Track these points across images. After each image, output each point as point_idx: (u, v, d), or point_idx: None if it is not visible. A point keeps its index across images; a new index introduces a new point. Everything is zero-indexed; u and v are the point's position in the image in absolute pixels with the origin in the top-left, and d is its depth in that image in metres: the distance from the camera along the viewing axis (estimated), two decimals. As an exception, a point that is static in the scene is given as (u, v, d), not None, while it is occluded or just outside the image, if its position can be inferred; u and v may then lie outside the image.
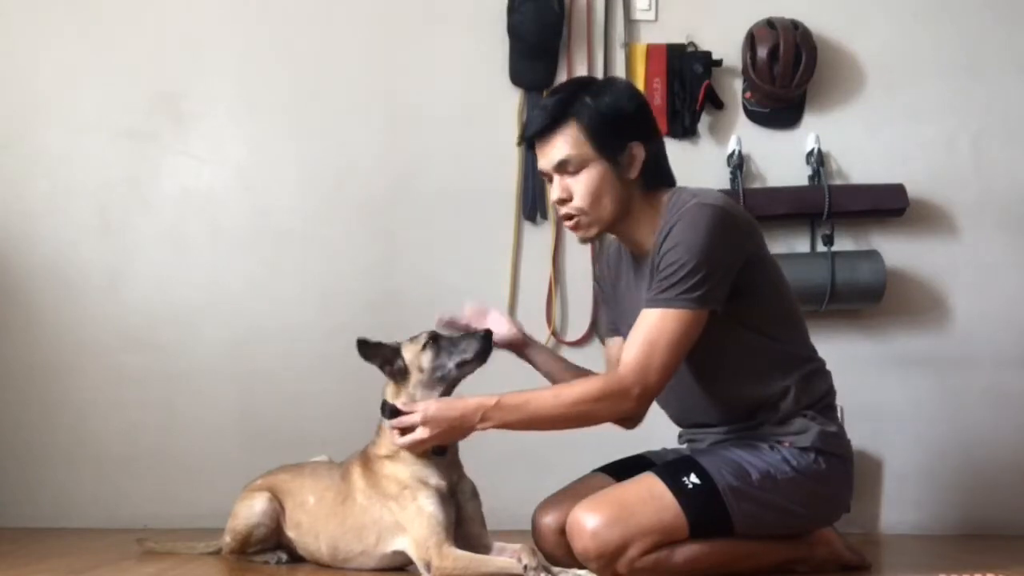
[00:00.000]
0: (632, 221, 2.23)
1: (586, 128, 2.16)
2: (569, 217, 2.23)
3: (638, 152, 2.19)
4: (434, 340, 2.30)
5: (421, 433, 2.18)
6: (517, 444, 3.14)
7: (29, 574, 2.34)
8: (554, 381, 2.39)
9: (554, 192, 2.22)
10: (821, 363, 2.32)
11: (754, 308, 2.20)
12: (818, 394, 2.27)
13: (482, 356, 2.27)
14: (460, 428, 2.18)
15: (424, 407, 2.18)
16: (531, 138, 2.24)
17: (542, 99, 2.22)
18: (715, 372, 2.22)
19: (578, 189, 2.19)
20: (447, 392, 2.31)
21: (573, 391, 2.15)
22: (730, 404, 2.26)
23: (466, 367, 2.29)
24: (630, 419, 2.39)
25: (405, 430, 2.21)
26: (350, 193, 3.26)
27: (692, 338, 2.11)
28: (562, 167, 2.19)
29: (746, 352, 2.21)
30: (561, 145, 2.18)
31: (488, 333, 2.28)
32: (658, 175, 2.24)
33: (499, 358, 2.35)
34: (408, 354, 2.30)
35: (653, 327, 2.10)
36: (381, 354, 2.29)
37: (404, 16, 3.30)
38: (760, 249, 2.23)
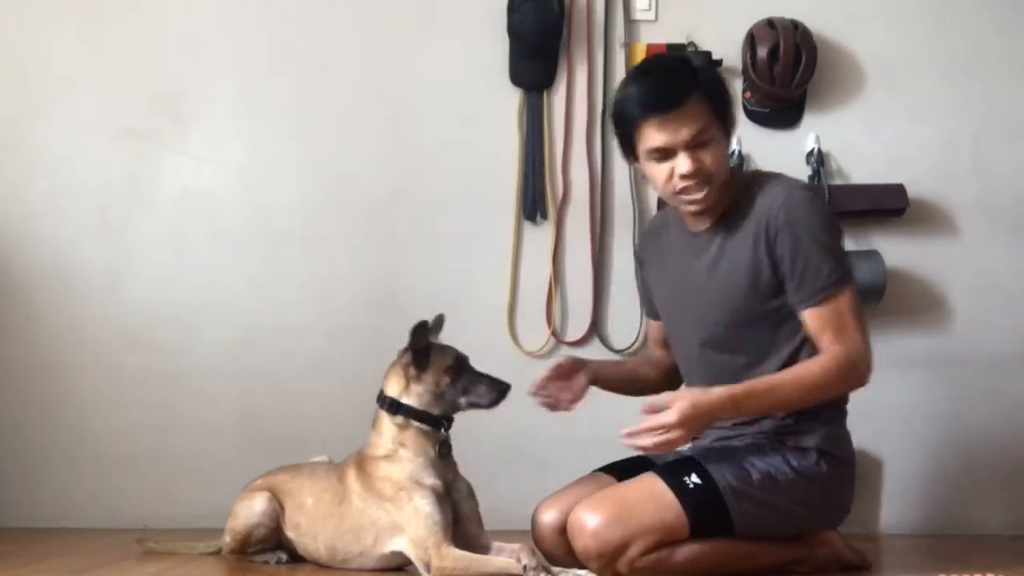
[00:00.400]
0: (721, 196, 2.26)
1: (710, 99, 2.18)
2: (692, 189, 2.18)
3: (735, 124, 2.29)
4: (457, 370, 2.33)
5: (676, 434, 2.07)
6: (517, 444, 3.16)
7: (29, 574, 2.34)
8: (629, 384, 2.49)
9: (683, 165, 2.15)
10: None
11: None
12: (832, 400, 2.28)
13: (493, 406, 2.34)
14: (711, 422, 2.16)
15: (679, 408, 2.07)
16: (655, 109, 2.15)
17: (652, 72, 2.20)
18: (763, 363, 2.23)
19: (709, 159, 2.18)
20: (449, 411, 2.35)
21: (813, 376, 2.15)
22: None
23: (475, 407, 2.34)
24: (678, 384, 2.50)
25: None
26: (350, 193, 3.26)
27: (860, 304, 2.19)
28: (697, 137, 2.16)
29: (792, 347, 2.23)
30: (694, 116, 2.15)
31: (506, 388, 2.34)
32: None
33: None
34: (432, 362, 2.31)
35: (832, 314, 2.15)
36: (425, 345, 2.33)
37: (404, 16, 3.30)
38: None
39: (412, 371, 2.33)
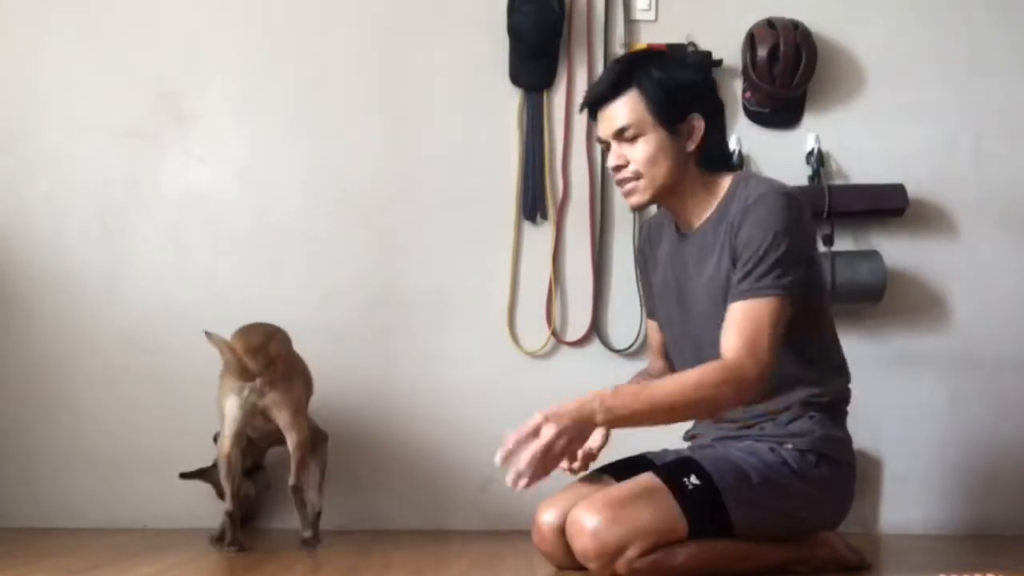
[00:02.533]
0: (686, 195, 2.30)
1: (647, 96, 2.23)
2: (624, 183, 2.29)
3: (698, 124, 2.27)
4: None
5: (549, 430, 2.05)
6: (517, 444, 3.15)
7: (29, 574, 2.34)
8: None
9: (610, 159, 2.28)
10: (846, 372, 2.34)
11: (808, 303, 2.23)
12: (833, 399, 2.28)
13: None
14: (582, 419, 2.08)
15: (540, 412, 2.09)
16: (592, 104, 2.30)
17: (609, 65, 2.31)
18: None
19: (635, 155, 2.25)
20: None
21: (690, 378, 2.13)
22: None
23: None
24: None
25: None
26: (350, 193, 3.26)
27: (785, 324, 2.15)
28: (620, 134, 2.25)
29: (789, 345, 2.21)
30: (621, 112, 2.25)
31: None
32: (717, 155, 2.33)
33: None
34: None
35: (751, 315, 2.14)
36: None
37: (404, 16, 3.30)
38: (816, 242, 2.34)
39: None
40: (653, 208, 2.48)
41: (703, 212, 2.30)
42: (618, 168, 2.29)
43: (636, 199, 2.31)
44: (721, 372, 2.12)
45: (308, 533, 2.70)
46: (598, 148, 3.26)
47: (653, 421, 2.13)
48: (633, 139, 2.25)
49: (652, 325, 2.60)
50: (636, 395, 2.12)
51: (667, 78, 2.24)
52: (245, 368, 2.55)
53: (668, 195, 2.30)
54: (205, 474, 2.96)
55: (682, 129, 2.26)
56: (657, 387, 2.15)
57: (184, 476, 2.96)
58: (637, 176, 2.27)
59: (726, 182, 2.30)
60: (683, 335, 2.39)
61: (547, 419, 2.07)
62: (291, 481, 2.63)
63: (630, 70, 2.26)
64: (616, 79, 2.27)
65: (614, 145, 2.28)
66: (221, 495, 2.76)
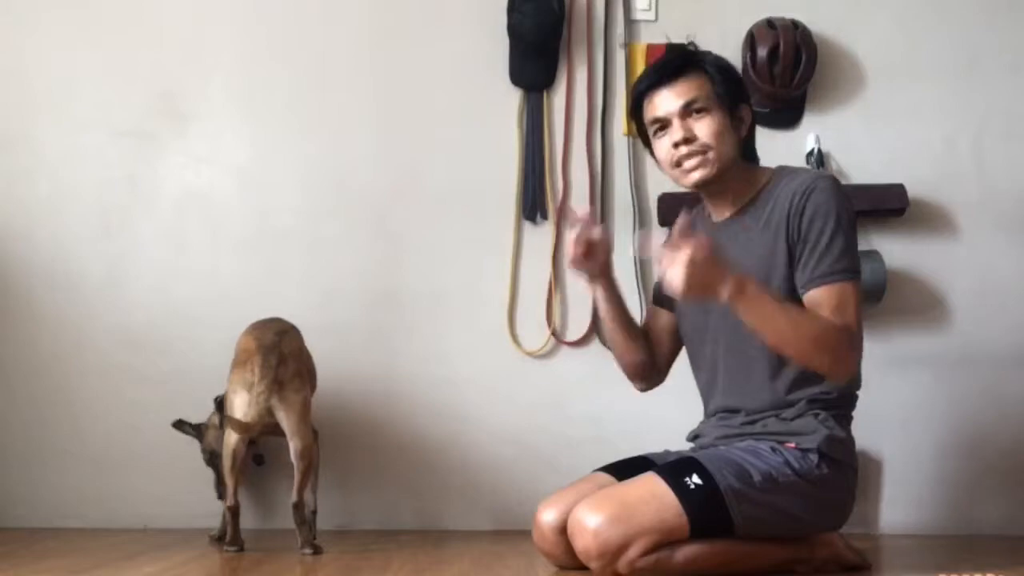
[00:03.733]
0: (732, 180, 2.34)
1: (711, 77, 2.31)
2: (691, 156, 2.29)
3: (747, 115, 2.36)
4: None
5: (682, 261, 2.04)
6: (517, 444, 3.16)
7: (29, 574, 2.34)
8: (627, 330, 2.49)
9: (675, 133, 2.29)
10: (857, 377, 2.34)
11: None
12: (841, 403, 2.28)
13: None
14: (712, 285, 2.08)
15: (690, 250, 2.04)
16: (655, 83, 2.32)
17: (667, 54, 2.43)
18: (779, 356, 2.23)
19: (703, 129, 2.29)
20: None
21: (818, 323, 2.15)
22: (751, 398, 2.30)
23: None
24: (653, 380, 2.56)
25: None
26: (350, 193, 3.26)
27: (862, 306, 2.23)
28: (688, 108, 2.28)
29: None
30: (689, 87, 2.30)
31: None
32: (753, 148, 2.40)
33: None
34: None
35: (842, 297, 2.17)
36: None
37: (404, 16, 3.30)
38: None
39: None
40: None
41: (739, 199, 2.35)
42: (686, 141, 2.28)
43: (703, 172, 2.29)
44: (839, 329, 2.15)
45: (308, 551, 2.57)
46: (598, 148, 3.26)
47: (765, 327, 2.12)
48: (701, 113, 2.29)
49: (658, 313, 2.58)
50: (768, 302, 2.13)
51: (727, 68, 2.35)
52: (260, 365, 2.55)
53: (726, 174, 2.32)
54: (198, 431, 2.95)
55: (737, 115, 2.33)
56: (786, 313, 2.14)
57: (176, 426, 2.94)
58: (705, 150, 2.28)
59: (762, 173, 2.36)
60: (707, 326, 2.38)
61: (690, 264, 2.04)
62: (293, 498, 2.57)
63: (693, 55, 2.36)
64: (683, 60, 2.33)
65: (677, 122, 2.29)
66: (221, 494, 2.76)
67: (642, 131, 2.42)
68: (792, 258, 2.24)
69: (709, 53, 2.38)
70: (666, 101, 2.31)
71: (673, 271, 2.05)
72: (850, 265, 2.20)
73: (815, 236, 2.20)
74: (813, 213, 2.21)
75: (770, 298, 2.15)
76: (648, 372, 2.55)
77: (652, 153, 2.41)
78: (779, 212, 2.26)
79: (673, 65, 2.33)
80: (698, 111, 2.29)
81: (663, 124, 2.32)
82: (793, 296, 2.23)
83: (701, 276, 2.06)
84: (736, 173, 2.34)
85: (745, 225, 2.33)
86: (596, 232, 2.37)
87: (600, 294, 2.46)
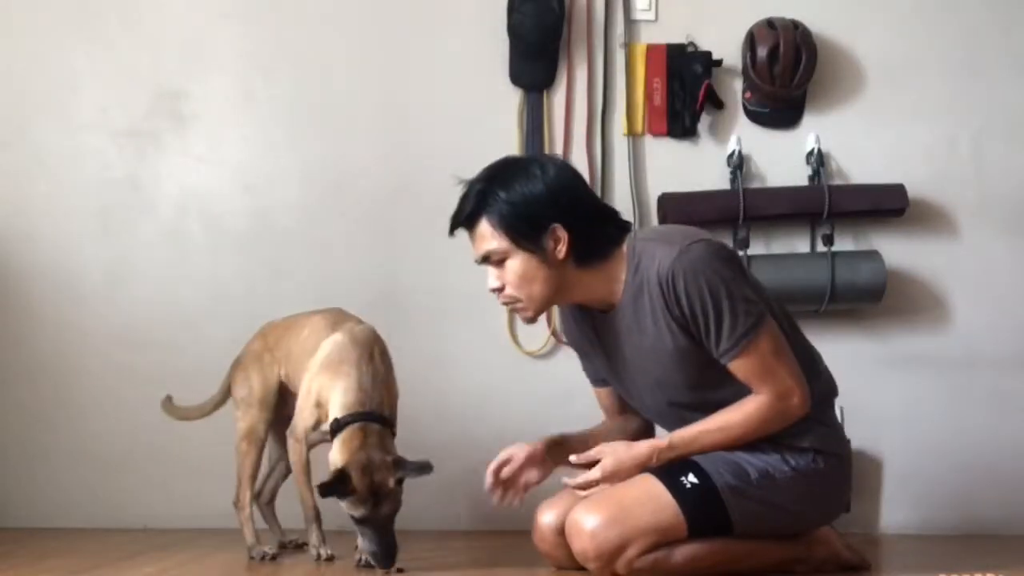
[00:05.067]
0: (578, 290, 2.24)
1: (498, 223, 2.17)
2: (506, 304, 2.27)
3: (562, 235, 2.17)
4: (360, 521, 2.29)
5: (603, 485, 2.21)
6: (517, 444, 3.15)
7: (29, 574, 2.34)
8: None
9: (489, 280, 2.24)
10: (821, 364, 2.33)
11: None
12: (820, 396, 2.28)
13: (379, 564, 2.30)
14: (636, 472, 2.21)
15: (603, 464, 2.21)
16: (457, 228, 2.26)
17: (463, 190, 2.25)
18: (716, 386, 2.21)
19: (508, 278, 2.21)
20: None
21: (738, 423, 2.18)
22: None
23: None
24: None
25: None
26: (350, 193, 3.26)
27: (782, 339, 2.17)
28: (487, 259, 2.22)
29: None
30: (481, 238, 2.21)
31: (386, 567, 2.30)
32: (592, 249, 2.21)
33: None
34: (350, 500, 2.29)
35: (757, 366, 2.14)
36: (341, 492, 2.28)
37: (404, 16, 3.29)
38: (740, 262, 2.28)
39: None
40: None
41: (613, 293, 2.22)
42: (496, 291, 2.24)
43: (525, 316, 2.26)
44: (764, 412, 2.16)
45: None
46: (598, 148, 3.26)
47: (709, 452, 2.21)
48: (501, 263, 2.20)
49: (599, 392, 2.50)
50: (688, 445, 2.20)
51: (514, 202, 2.16)
52: None
53: (559, 299, 2.26)
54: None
55: (545, 242, 2.17)
56: (709, 436, 2.19)
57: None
58: (515, 299, 2.22)
59: (619, 267, 2.21)
60: (643, 407, 2.37)
61: (603, 478, 2.21)
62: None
63: (479, 198, 2.19)
64: (468, 209, 2.20)
65: (489, 268, 2.22)
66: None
67: None
68: (691, 335, 2.15)
69: (496, 183, 2.19)
70: (474, 246, 2.24)
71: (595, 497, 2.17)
72: (749, 322, 2.11)
73: (702, 317, 2.11)
74: (688, 299, 2.10)
75: (696, 433, 2.19)
76: (647, 426, 2.46)
77: None
78: (655, 302, 2.15)
79: (460, 217, 2.22)
80: (500, 259, 2.20)
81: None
82: (708, 369, 2.17)
83: (625, 475, 2.18)
84: (581, 283, 2.22)
85: (626, 324, 2.22)
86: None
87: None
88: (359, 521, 2.28)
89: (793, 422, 2.18)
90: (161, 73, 3.29)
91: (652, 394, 2.29)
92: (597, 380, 2.47)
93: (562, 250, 2.18)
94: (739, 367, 2.14)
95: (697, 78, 3.18)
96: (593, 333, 2.34)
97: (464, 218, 2.22)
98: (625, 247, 2.22)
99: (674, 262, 2.11)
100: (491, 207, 2.18)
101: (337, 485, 2.25)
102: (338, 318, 2.59)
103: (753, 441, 2.19)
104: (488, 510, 3.08)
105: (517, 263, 2.19)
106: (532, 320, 2.31)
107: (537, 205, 2.16)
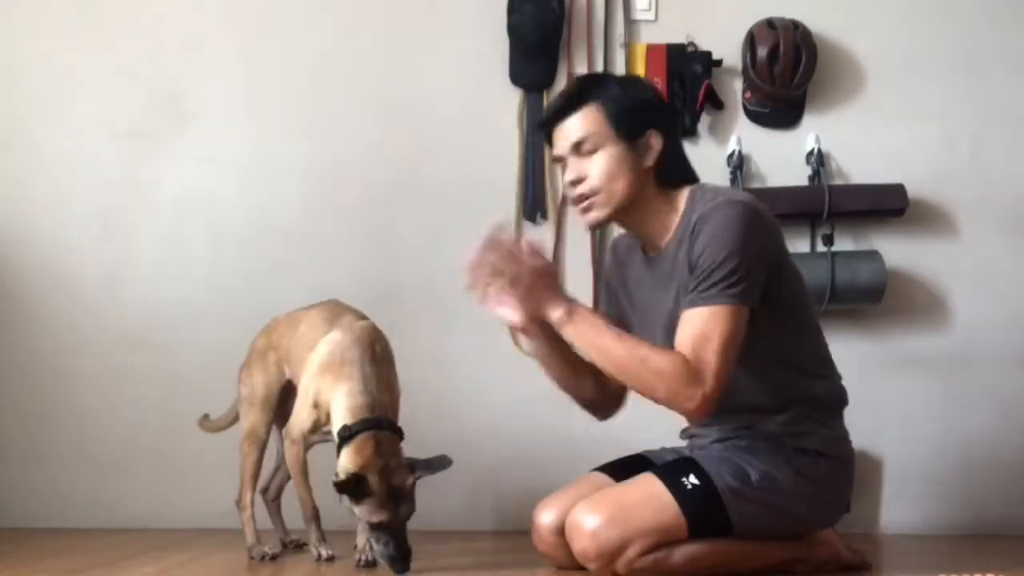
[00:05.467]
0: (645, 212, 2.23)
1: (605, 108, 2.19)
2: (582, 199, 2.22)
3: (655, 142, 2.20)
4: (375, 527, 2.24)
5: (507, 285, 2.15)
6: (516, 445, 3.16)
7: (29, 574, 2.34)
8: (571, 367, 2.35)
9: (568, 174, 2.22)
10: (835, 374, 2.33)
11: (792, 312, 2.22)
12: (829, 400, 2.28)
13: (396, 568, 2.24)
14: (538, 301, 2.14)
15: (531, 267, 2.14)
16: (549, 121, 2.24)
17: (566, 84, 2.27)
18: (758, 368, 2.20)
19: (593, 169, 2.19)
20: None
21: (645, 349, 2.10)
22: (743, 403, 2.25)
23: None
24: (611, 409, 2.44)
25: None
26: (350, 193, 3.27)
27: (740, 334, 2.09)
28: (578, 147, 2.19)
29: (767, 355, 2.20)
30: (578, 125, 2.19)
31: (400, 571, 2.23)
32: (675, 170, 2.25)
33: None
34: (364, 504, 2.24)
35: (702, 326, 2.07)
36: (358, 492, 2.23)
37: (404, 16, 3.29)
38: (784, 249, 2.25)
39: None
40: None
41: (667, 230, 2.23)
42: (575, 183, 2.21)
43: (594, 215, 2.22)
44: (674, 367, 2.05)
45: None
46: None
47: (589, 358, 2.15)
48: (590, 153, 2.19)
49: None
50: (594, 326, 2.13)
51: (626, 94, 2.21)
52: None
53: (627, 212, 2.23)
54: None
55: (640, 145, 2.19)
56: (612, 334, 2.12)
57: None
58: (594, 192, 2.20)
59: (680, 200, 2.22)
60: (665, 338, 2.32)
61: (515, 280, 2.14)
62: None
63: (589, 86, 2.24)
64: (575, 93, 2.23)
65: (571, 161, 2.21)
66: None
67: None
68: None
69: (610, 78, 2.26)
70: (560, 139, 2.23)
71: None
72: (726, 290, 2.06)
73: (703, 264, 2.09)
74: (704, 241, 2.09)
75: (604, 325, 2.13)
76: (604, 403, 2.43)
77: None
78: (685, 244, 2.16)
79: (564, 99, 2.24)
80: (589, 151, 2.19)
81: (562, 164, 2.25)
82: None
83: (524, 292, 2.11)
84: (651, 204, 2.22)
85: (664, 271, 2.22)
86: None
87: (537, 331, 2.28)
88: (376, 526, 2.23)
89: (676, 409, 2.13)
90: (161, 73, 3.29)
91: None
92: (610, 316, 2.39)
93: (651, 158, 2.20)
94: (687, 317, 2.09)
95: (697, 78, 3.18)
96: (633, 279, 2.36)
97: (567, 102, 2.22)
98: (687, 192, 2.23)
99: (712, 209, 2.13)
100: (603, 92, 2.21)
101: (354, 487, 2.21)
102: (336, 311, 2.56)
103: (633, 385, 2.14)
104: (487, 509, 3.08)
105: (609, 156, 2.19)
106: (599, 222, 2.25)
107: (644, 105, 2.22)
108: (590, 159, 2.19)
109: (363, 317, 2.55)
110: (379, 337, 2.48)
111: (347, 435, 2.28)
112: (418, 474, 2.28)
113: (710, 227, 2.10)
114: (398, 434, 2.33)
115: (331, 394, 2.35)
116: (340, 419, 2.31)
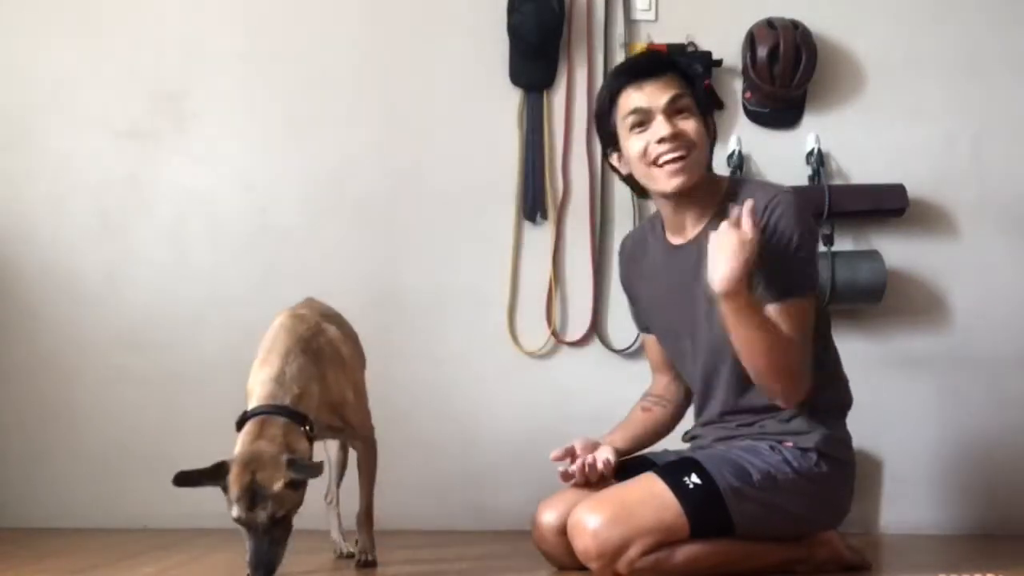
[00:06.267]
0: (701, 191, 2.26)
1: (691, 84, 2.26)
2: (678, 158, 2.21)
3: (714, 128, 2.32)
4: (237, 522, 2.03)
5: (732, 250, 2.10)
6: (517, 445, 3.16)
7: (29, 574, 2.34)
8: (651, 440, 2.49)
9: (661, 128, 2.20)
10: (843, 374, 2.35)
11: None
12: (833, 402, 2.28)
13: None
14: (740, 272, 2.08)
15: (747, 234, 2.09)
16: (638, 72, 2.25)
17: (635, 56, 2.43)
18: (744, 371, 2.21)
19: (691, 128, 2.22)
20: None
21: (787, 343, 2.14)
22: (747, 404, 2.28)
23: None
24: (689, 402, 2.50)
25: None
26: (350, 193, 3.27)
27: (814, 321, 2.20)
28: (674, 103, 2.21)
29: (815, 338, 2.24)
30: (675, 85, 2.23)
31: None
32: (712, 156, 2.34)
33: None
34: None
35: (795, 314, 2.14)
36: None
37: (404, 16, 3.30)
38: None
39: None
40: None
41: (702, 215, 2.27)
42: (673, 138, 2.19)
43: (685, 178, 2.21)
44: (800, 355, 2.16)
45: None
46: (598, 148, 3.24)
47: (744, 335, 2.12)
48: (686, 114, 2.22)
49: (648, 340, 2.53)
50: (755, 316, 2.12)
51: (700, 78, 2.38)
52: None
53: (698, 186, 2.24)
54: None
55: (710, 124, 2.29)
56: (765, 330, 2.12)
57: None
58: (690, 149, 2.20)
59: (721, 182, 2.30)
60: (694, 344, 2.34)
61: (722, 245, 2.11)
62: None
63: (673, 60, 2.34)
64: (662, 59, 2.31)
65: (662, 118, 2.20)
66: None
67: (604, 133, 2.32)
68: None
69: (683, 60, 2.36)
70: (651, 94, 2.21)
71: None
72: (808, 281, 2.19)
73: (778, 251, 2.14)
74: (775, 230, 2.15)
75: (758, 311, 2.13)
76: (683, 406, 2.52)
77: (613, 159, 2.34)
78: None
79: (652, 60, 2.32)
80: (683, 110, 2.22)
81: (643, 120, 2.21)
82: None
83: (742, 260, 2.05)
84: (704, 186, 2.26)
85: (693, 262, 2.24)
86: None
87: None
88: (236, 522, 2.01)
89: (797, 388, 2.17)
90: (161, 73, 3.29)
91: (701, 343, 2.29)
92: (642, 327, 2.54)
93: (712, 141, 2.29)
94: (780, 312, 2.14)
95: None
96: (653, 270, 2.38)
97: (663, 63, 2.27)
98: (726, 181, 2.33)
99: (780, 195, 2.19)
100: (688, 68, 2.30)
101: (206, 476, 2.02)
102: (300, 306, 2.42)
103: (765, 380, 2.17)
104: (488, 509, 3.08)
105: (699, 122, 2.24)
106: (685, 187, 2.21)
107: (710, 91, 2.44)
108: (686, 120, 2.22)
109: (326, 314, 2.41)
110: (323, 332, 2.30)
111: (240, 422, 2.12)
112: (292, 474, 1.99)
113: (781, 216, 2.16)
114: (300, 423, 2.10)
115: (252, 380, 2.20)
116: (249, 406, 2.15)
